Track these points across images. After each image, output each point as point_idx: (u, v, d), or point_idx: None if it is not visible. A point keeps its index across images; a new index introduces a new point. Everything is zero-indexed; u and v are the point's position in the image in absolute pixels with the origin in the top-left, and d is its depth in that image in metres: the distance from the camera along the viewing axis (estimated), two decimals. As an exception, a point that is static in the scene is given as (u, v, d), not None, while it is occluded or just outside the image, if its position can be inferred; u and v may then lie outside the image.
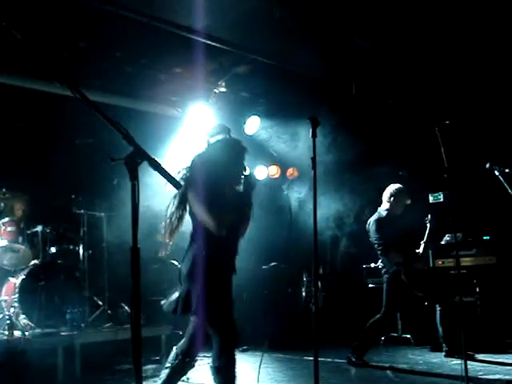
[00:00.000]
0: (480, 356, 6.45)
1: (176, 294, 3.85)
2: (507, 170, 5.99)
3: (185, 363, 3.91)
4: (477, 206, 7.96)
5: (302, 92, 7.97)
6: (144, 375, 5.60)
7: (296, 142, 8.17)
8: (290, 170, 9.91)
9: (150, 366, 6.31)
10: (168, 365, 3.92)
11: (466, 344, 4.69)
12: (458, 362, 5.67)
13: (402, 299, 6.63)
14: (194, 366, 3.99)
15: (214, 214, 3.65)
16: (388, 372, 6.12)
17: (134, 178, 2.31)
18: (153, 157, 2.36)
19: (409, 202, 6.82)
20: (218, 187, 3.82)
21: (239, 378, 3.77)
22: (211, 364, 3.77)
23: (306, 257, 7.67)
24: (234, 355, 3.77)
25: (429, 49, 7.25)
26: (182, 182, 3.75)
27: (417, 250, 6.89)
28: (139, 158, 2.33)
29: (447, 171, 4.90)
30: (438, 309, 6.66)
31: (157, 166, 2.38)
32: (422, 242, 6.91)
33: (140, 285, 2.33)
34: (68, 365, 5.96)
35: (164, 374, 3.91)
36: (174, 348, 3.98)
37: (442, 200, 8.06)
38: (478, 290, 7.30)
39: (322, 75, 7.91)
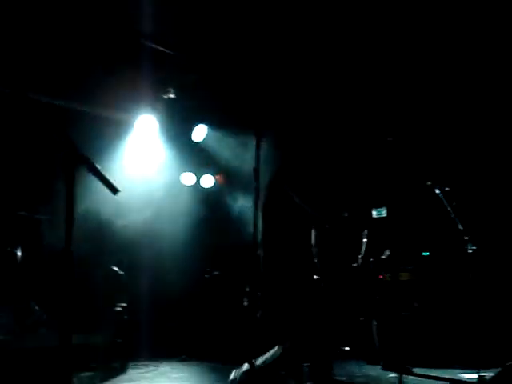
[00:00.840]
0: (416, 370, 6.55)
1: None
2: (447, 189, 6.13)
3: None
4: (417, 222, 8.11)
5: (249, 102, 8.01)
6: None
7: (244, 151, 8.19)
8: (217, 177, 9.84)
9: (86, 374, 6.18)
10: None
11: (403, 358, 4.77)
12: (395, 375, 5.75)
13: (340, 312, 6.68)
14: None
15: None
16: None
17: (70, 181, 2.26)
18: (89, 160, 2.32)
19: (346, 215, 6.88)
20: None
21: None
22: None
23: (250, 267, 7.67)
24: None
25: (372, 65, 7.39)
26: None
27: (354, 264, 6.95)
28: (76, 161, 2.28)
29: (388, 187, 4.99)
30: (374, 323, 6.73)
31: (93, 170, 2.34)
32: (359, 256, 6.98)
33: (74, 290, 2.28)
34: (0, 372, 5.77)
35: None
36: None
37: (385, 215, 8.17)
38: (415, 304, 7.42)
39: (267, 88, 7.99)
